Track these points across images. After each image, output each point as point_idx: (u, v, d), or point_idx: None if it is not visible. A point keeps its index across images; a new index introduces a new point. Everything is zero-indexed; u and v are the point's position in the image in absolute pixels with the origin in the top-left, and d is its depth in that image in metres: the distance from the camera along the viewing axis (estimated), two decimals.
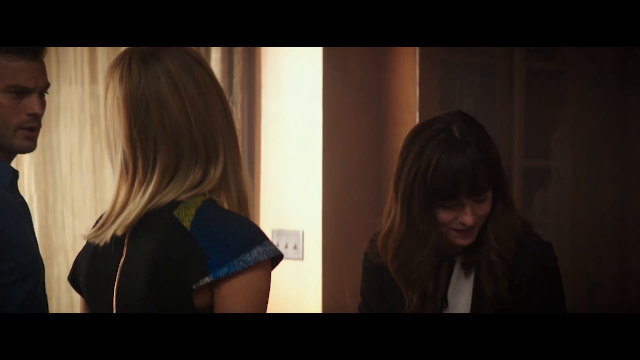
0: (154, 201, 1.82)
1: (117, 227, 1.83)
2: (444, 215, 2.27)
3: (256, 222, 4.05)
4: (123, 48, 1.97)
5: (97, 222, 1.91)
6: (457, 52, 4.35)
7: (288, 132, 3.99)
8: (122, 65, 1.84)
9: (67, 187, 3.59)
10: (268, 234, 4.02)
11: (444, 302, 2.37)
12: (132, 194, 1.83)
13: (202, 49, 4.03)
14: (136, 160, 1.83)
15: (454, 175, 2.23)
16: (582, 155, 4.85)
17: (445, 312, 2.36)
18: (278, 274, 3.94)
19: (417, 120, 4.05)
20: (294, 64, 3.97)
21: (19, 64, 2.39)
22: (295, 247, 3.91)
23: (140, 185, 1.83)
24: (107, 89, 1.86)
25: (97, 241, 1.86)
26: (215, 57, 4.01)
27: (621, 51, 5.02)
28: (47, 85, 2.47)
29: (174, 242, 1.78)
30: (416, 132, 2.34)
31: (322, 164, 3.89)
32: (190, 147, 1.83)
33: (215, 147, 1.85)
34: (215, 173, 1.85)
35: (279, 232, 3.98)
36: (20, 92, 2.39)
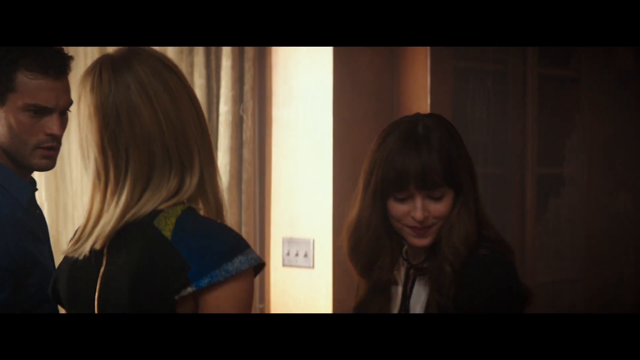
0: (132, 212, 1.80)
1: (94, 241, 1.81)
2: (396, 208, 2.24)
3: (267, 231, 4.06)
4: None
5: (74, 235, 1.90)
6: (469, 59, 4.33)
7: (299, 140, 3.98)
8: (93, 74, 1.83)
9: (78, 194, 3.58)
10: (278, 242, 4.02)
11: (406, 309, 2.34)
12: (106, 204, 1.81)
13: (213, 58, 4.02)
14: (108, 170, 1.81)
15: (403, 165, 2.20)
16: (596, 162, 4.83)
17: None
18: (289, 282, 3.96)
19: None
20: (305, 72, 3.97)
21: (40, 83, 2.33)
22: (305, 256, 3.90)
23: (113, 194, 1.81)
24: (79, 98, 1.84)
25: (76, 255, 1.85)
26: (225, 64, 4.01)
27: (637, 57, 4.99)
28: (69, 104, 2.40)
29: (155, 252, 1.76)
30: (387, 128, 2.33)
31: (332, 172, 3.87)
32: (162, 154, 1.81)
33: (190, 154, 1.83)
34: (192, 180, 1.83)
35: (289, 240, 3.97)
36: (40, 111, 2.34)
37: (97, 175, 1.83)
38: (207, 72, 4.03)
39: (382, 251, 2.33)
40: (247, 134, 4.03)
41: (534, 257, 4.55)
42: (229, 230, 1.82)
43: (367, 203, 2.29)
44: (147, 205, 1.80)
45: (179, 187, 1.82)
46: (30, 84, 2.32)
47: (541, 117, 4.57)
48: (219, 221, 1.85)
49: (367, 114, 4.06)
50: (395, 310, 2.34)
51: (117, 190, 1.81)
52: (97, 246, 1.81)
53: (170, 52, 3.97)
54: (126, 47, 1.90)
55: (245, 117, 4.02)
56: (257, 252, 4.04)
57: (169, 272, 1.75)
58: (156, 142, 1.80)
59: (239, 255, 1.76)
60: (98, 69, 1.84)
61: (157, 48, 4.03)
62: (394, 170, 2.21)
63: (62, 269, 1.94)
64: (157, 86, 1.82)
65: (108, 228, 1.80)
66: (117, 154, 1.81)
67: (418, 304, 2.31)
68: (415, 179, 2.20)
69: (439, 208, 2.24)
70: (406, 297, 2.34)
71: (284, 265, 3.98)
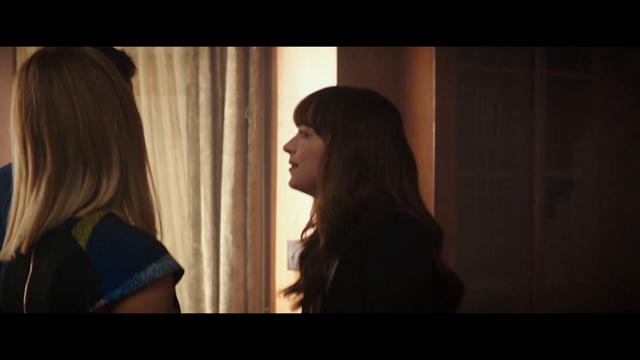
0: (51, 215, 1.75)
1: (19, 242, 1.77)
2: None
3: (272, 234, 4.05)
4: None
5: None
6: (475, 62, 4.32)
7: None
8: (22, 70, 1.81)
9: None
10: (284, 245, 4.01)
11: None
12: (27, 200, 1.77)
13: (218, 61, 4.03)
14: (27, 165, 1.77)
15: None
16: (607, 164, 4.80)
17: None
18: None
19: (434, 130, 4.02)
20: (310, 75, 3.96)
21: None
22: None
23: (31, 190, 1.76)
24: (12, 93, 1.82)
25: (6, 258, 1.80)
26: (230, 67, 4.00)
27: None
28: None
29: (70, 264, 1.71)
30: None
31: None
32: (76, 152, 1.76)
33: (108, 155, 1.77)
34: (110, 183, 1.77)
35: (294, 244, 3.96)
36: None
37: (19, 170, 1.79)
38: (212, 75, 4.03)
39: None
40: (253, 136, 4.03)
41: (542, 260, 4.53)
42: (146, 237, 1.74)
43: None
44: (65, 207, 1.75)
45: (96, 190, 1.76)
46: None
47: (549, 120, 4.55)
48: (140, 227, 1.78)
49: None
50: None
51: (35, 187, 1.76)
52: (23, 250, 1.77)
53: (176, 55, 3.98)
54: (60, 47, 1.86)
55: (250, 120, 4.02)
56: (262, 255, 4.04)
57: (84, 284, 1.70)
58: (71, 139, 1.75)
59: (153, 263, 1.69)
60: (27, 65, 1.81)
61: (162, 48, 4.03)
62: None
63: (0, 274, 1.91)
64: (80, 84, 1.76)
65: (29, 227, 1.75)
66: (36, 149, 1.77)
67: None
68: (295, 112, 2.40)
69: (302, 145, 2.40)
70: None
71: (288, 268, 3.97)
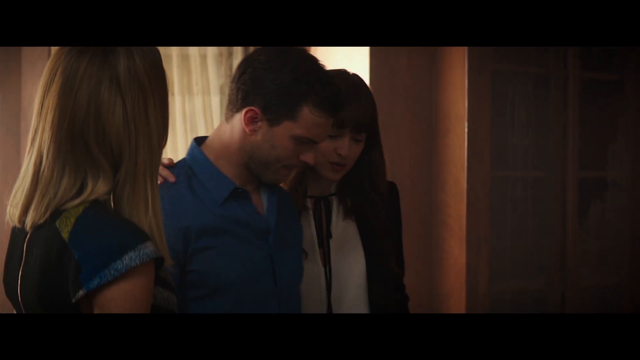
0: (46, 199, 1.77)
1: (34, 218, 1.78)
2: (327, 145, 2.55)
3: None
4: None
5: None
6: (509, 62, 4.31)
7: None
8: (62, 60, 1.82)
9: None
10: None
11: (329, 234, 2.67)
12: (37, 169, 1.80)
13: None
14: (34, 141, 1.82)
15: (348, 105, 2.50)
16: None
17: (331, 242, 2.65)
18: None
19: (466, 130, 4.02)
20: None
21: (320, 121, 2.35)
22: None
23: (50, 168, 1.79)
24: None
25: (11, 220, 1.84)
26: None
27: None
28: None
29: (54, 255, 1.73)
30: None
31: None
32: (68, 140, 1.77)
33: (112, 155, 1.79)
34: (101, 183, 1.78)
35: None
36: (305, 142, 2.38)
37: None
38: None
39: (297, 185, 2.66)
40: None
41: (576, 261, 4.52)
42: (126, 225, 1.74)
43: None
44: (59, 194, 1.77)
45: (80, 188, 1.78)
46: (311, 120, 2.34)
47: (583, 121, 4.54)
48: (119, 216, 1.78)
49: (405, 116, 4.06)
50: (313, 231, 2.67)
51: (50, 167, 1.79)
52: (28, 226, 1.79)
53: (210, 56, 4.01)
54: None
55: None
56: None
57: (67, 275, 1.71)
58: (62, 127, 1.77)
59: (130, 251, 1.69)
60: (62, 56, 1.83)
61: (196, 48, 4.05)
62: (337, 110, 2.46)
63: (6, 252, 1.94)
64: (78, 76, 1.79)
65: (40, 210, 1.78)
66: (42, 130, 1.80)
67: (345, 230, 2.70)
68: (352, 122, 2.56)
69: (357, 149, 2.61)
70: (324, 221, 2.69)
71: None
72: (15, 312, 1.90)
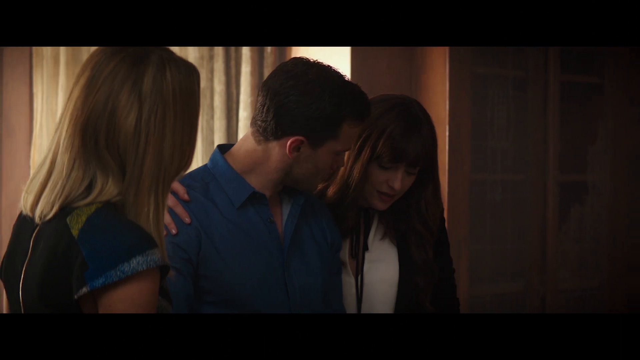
0: (65, 194, 1.78)
1: (43, 209, 1.79)
2: (379, 175, 2.52)
3: None
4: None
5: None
6: (488, 65, 4.32)
7: None
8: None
9: None
10: None
11: (365, 247, 2.63)
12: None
13: (233, 65, 4.05)
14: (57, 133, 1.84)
15: (407, 143, 2.49)
16: (622, 169, 4.79)
17: (366, 255, 2.63)
18: None
19: (447, 133, 4.03)
20: None
21: (355, 131, 2.40)
22: None
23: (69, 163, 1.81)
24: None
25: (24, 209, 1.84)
26: (245, 71, 4.03)
27: None
28: None
29: (62, 250, 1.74)
30: (377, 102, 2.56)
31: None
32: (84, 137, 1.79)
33: (119, 154, 1.80)
34: (108, 187, 1.79)
35: None
36: (341, 153, 2.42)
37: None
38: (227, 79, 4.05)
39: (353, 208, 2.59)
40: None
41: (556, 264, 4.53)
42: (135, 229, 1.75)
43: (358, 167, 2.53)
44: (72, 193, 1.78)
45: (89, 185, 1.78)
46: (349, 133, 2.37)
47: (563, 124, 4.55)
48: (130, 220, 1.78)
49: None
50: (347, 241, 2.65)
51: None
52: (37, 218, 1.80)
53: (192, 58, 4.00)
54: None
55: None
56: None
57: (72, 271, 1.72)
58: (79, 120, 1.79)
59: (138, 255, 1.70)
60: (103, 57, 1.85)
61: (177, 51, 4.06)
62: (396, 147, 2.49)
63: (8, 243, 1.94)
64: (105, 78, 1.80)
65: (53, 206, 1.79)
66: (63, 121, 1.83)
67: (383, 251, 2.65)
68: (409, 157, 2.50)
69: (409, 181, 2.56)
70: (362, 233, 2.66)
71: None
72: (8, 309, 1.89)
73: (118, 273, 1.69)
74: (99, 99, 1.79)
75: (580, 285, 4.76)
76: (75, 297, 1.71)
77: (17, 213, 1.90)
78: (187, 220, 2.31)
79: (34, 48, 3.82)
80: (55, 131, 1.84)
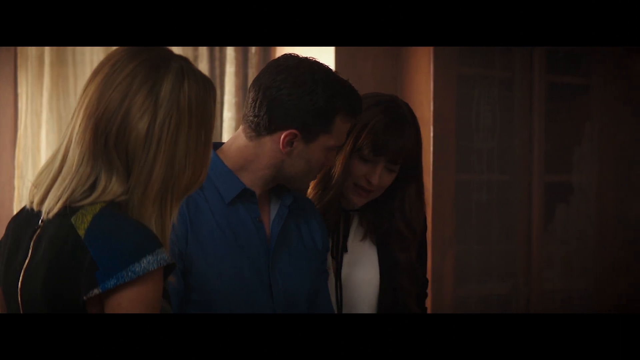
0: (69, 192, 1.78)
1: (49, 203, 1.79)
2: (359, 168, 2.54)
3: None
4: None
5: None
6: (474, 66, 4.32)
7: None
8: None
9: None
10: None
11: (345, 248, 2.64)
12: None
13: (217, 65, 4.04)
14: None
15: (389, 137, 2.52)
16: (607, 169, 4.79)
17: (345, 257, 2.63)
18: None
19: (432, 134, 4.03)
20: None
21: (347, 126, 2.41)
22: None
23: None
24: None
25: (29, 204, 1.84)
26: (229, 71, 4.02)
27: None
28: None
29: (68, 251, 1.74)
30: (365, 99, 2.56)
31: None
32: (91, 135, 1.79)
33: (125, 154, 1.80)
34: (112, 186, 1.79)
35: None
36: (333, 149, 2.43)
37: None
38: (211, 79, 4.04)
39: (333, 206, 2.61)
40: None
41: (541, 265, 4.53)
42: (142, 229, 1.76)
43: (340, 159, 2.54)
44: (60, 187, 1.79)
45: (93, 183, 1.78)
46: (342, 128, 2.38)
47: (549, 125, 4.55)
48: (137, 220, 1.79)
49: None
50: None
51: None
52: (43, 214, 1.80)
53: None
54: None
55: None
56: None
57: (79, 272, 1.72)
58: (92, 116, 1.79)
59: (148, 255, 1.71)
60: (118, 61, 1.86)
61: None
62: (377, 139, 2.51)
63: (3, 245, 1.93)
64: (122, 80, 1.80)
65: (59, 202, 1.79)
66: (77, 115, 1.83)
67: (362, 252, 2.65)
68: (390, 152, 2.52)
69: (389, 179, 2.57)
70: (342, 234, 2.66)
71: None
72: (6, 310, 1.89)
73: (129, 273, 1.70)
74: (115, 97, 1.79)
75: (566, 287, 4.76)
76: (85, 298, 1.71)
77: (3, 212, 1.90)
78: None
79: (18, 48, 3.81)
80: (68, 125, 1.84)
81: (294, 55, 2.39)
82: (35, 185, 1.83)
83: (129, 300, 1.71)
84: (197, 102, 1.84)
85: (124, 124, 1.79)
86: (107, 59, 1.85)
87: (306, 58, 2.38)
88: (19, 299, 1.82)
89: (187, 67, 1.85)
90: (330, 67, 2.40)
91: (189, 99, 1.82)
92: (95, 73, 1.83)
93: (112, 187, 1.79)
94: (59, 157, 1.82)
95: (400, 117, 2.55)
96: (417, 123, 2.59)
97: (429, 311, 3.97)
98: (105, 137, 1.79)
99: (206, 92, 1.86)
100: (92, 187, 1.79)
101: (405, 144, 2.53)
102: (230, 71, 4.02)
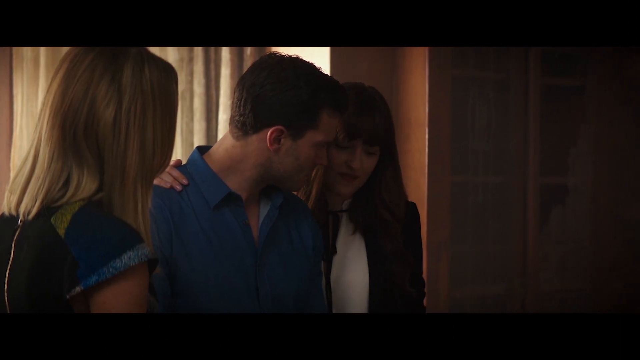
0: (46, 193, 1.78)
1: (27, 205, 1.79)
2: (338, 156, 2.56)
3: None
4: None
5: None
6: (469, 68, 4.33)
7: None
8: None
9: None
10: None
11: (333, 250, 2.64)
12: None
13: (212, 67, 4.04)
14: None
15: (360, 119, 2.55)
16: (602, 171, 4.80)
17: (334, 258, 2.63)
18: None
19: (427, 135, 4.03)
20: None
21: (335, 122, 2.40)
22: None
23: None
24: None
25: (7, 210, 1.84)
26: (225, 73, 4.02)
27: None
28: None
29: (49, 251, 1.74)
30: None
31: None
32: (70, 135, 1.79)
33: (86, 150, 1.80)
34: (86, 183, 1.79)
35: None
36: (322, 146, 2.41)
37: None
38: (207, 81, 4.04)
39: (321, 198, 2.65)
40: None
41: (537, 266, 4.54)
42: (122, 225, 1.76)
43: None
44: (37, 186, 1.78)
45: (67, 180, 1.79)
46: (329, 123, 2.37)
47: (544, 126, 4.56)
48: (116, 216, 1.79)
49: None
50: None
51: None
52: (22, 216, 1.80)
53: (171, 60, 3.99)
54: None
55: None
56: None
57: (61, 271, 1.72)
58: (59, 112, 1.79)
59: (129, 250, 1.71)
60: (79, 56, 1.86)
61: (157, 52, 4.06)
62: (350, 123, 2.54)
63: None
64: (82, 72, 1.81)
65: (36, 203, 1.79)
66: (43, 114, 1.83)
67: (352, 249, 2.66)
68: (364, 134, 2.55)
69: (370, 162, 2.59)
70: (331, 236, 2.67)
71: None
72: None
73: (110, 269, 1.70)
74: (78, 89, 1.79)
75: (562, 288, 4.77)
76: (68, 296, 1.71)
77: None
78: (185, 181, 2.35)
79: (14, 50, 3.82)
80: (36, 126, 1.84)
81: (276, 54, 2.39)
82: (11, 191, 1.83)
83: (114, 297, 1.71)
84: (160, 85, 1.84)
85: (91, 114, 1.79)
86: (66, 56, 1.85)
87: (289, 56, 2.39)
88: (6, 300, 1.82)
89: (145, 53, 1.86)
90: (316, 65, 2.40)
91: (151, 82, 1.82)
92: (57, 71, 1.83)
93: (86, 182, 1.79)
94: (30, 159, 1.82)
95: (369, 99, 2.60)
96: (387, 105, 2.63)
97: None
98: (73, 130, 1.79)
99: (168, 75, 1.87)
100: (66, 184, 1.79)
101: (378, 123, 2.57)
102: (225, 73, 4.02)
